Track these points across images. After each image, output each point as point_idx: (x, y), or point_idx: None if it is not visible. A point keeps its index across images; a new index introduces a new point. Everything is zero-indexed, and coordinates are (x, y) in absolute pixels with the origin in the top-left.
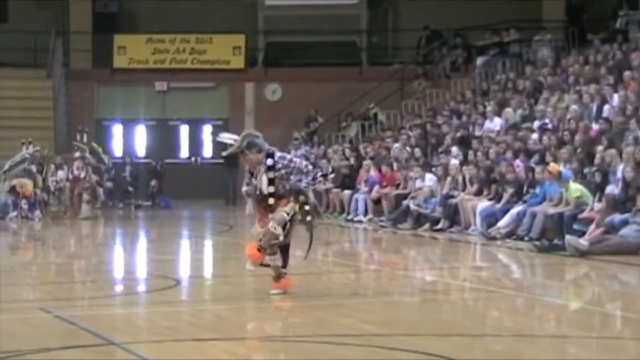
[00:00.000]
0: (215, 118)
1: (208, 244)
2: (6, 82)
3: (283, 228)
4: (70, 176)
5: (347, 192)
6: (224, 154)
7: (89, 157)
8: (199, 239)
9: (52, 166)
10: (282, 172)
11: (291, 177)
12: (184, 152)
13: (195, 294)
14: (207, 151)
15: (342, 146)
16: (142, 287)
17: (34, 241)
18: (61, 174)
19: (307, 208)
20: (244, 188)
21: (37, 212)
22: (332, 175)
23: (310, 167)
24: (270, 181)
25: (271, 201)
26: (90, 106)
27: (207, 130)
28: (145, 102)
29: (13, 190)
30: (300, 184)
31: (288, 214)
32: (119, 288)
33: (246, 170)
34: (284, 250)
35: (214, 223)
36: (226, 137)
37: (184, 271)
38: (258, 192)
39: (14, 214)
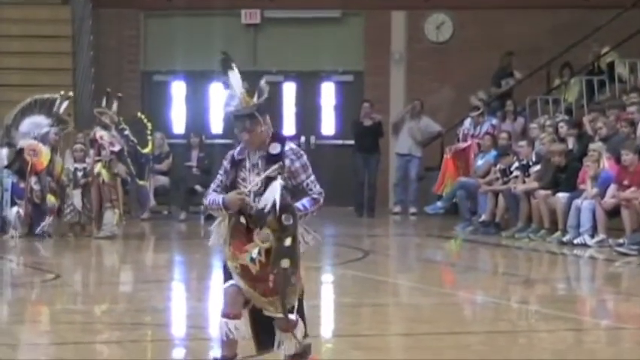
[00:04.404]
0: (340, 71)
1: (328, 281)
2: None
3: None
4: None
5: (562, 196)
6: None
7: (116, 134)
8: (314, 273)
9: (73, 149)
10: (285, 177)
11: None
12: (288, 127)
13: None
14: (328, 125)
15: (553, 119)
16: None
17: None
18: (89, 162)
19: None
20: (218, 197)
21: (49, 221)
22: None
23: (322, 197)
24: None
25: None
26: (133, 51)
27: (327, 90)
28: (225, 44)
29: (18, 157)
30: (297, 205)
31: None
32: (179, 353)
33: (223, 164)
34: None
35: (339, 245)
36: (234, 78)
37: None
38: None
39: (15, 211)
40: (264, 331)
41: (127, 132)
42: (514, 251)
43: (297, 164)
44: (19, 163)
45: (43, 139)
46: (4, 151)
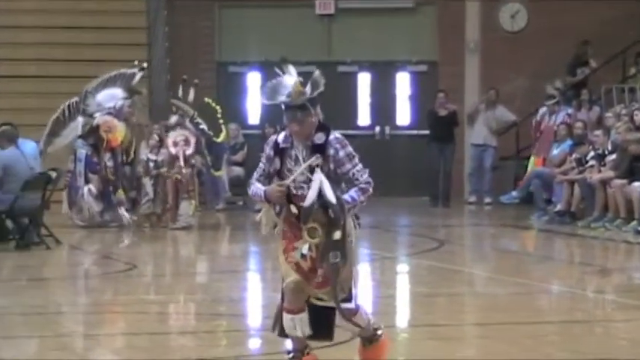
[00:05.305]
0: (415, 61)
1: (403, 271)
2: (70, 0)
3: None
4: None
5: (638, 185)
6: (265, 101)
7: (189, 125)
8: (390, 263)
9: (149, 140)
10: (331, 167)
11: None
12: (363, 118)
13: None
14: (403, 115)
15: (629, 108)
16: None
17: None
18: (164, 154)
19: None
20: (260, 190)
21: (124, 211)
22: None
23: (371, 186)
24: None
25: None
26: (208, 42)
27: (401, 80)
28: (299, 34)
29: (94, 132)
30: (345, 197)
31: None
32: (254, 344)
33: (265, 151)
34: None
35: (414, 235)
36: (290, 71)
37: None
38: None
39: (87, 190)
40: (318, 322)
41: (202, 126)
42: (590, 241)
43: (342, 153)
44: (94, 138)
45: (118, 113)
46: (80, 119)
